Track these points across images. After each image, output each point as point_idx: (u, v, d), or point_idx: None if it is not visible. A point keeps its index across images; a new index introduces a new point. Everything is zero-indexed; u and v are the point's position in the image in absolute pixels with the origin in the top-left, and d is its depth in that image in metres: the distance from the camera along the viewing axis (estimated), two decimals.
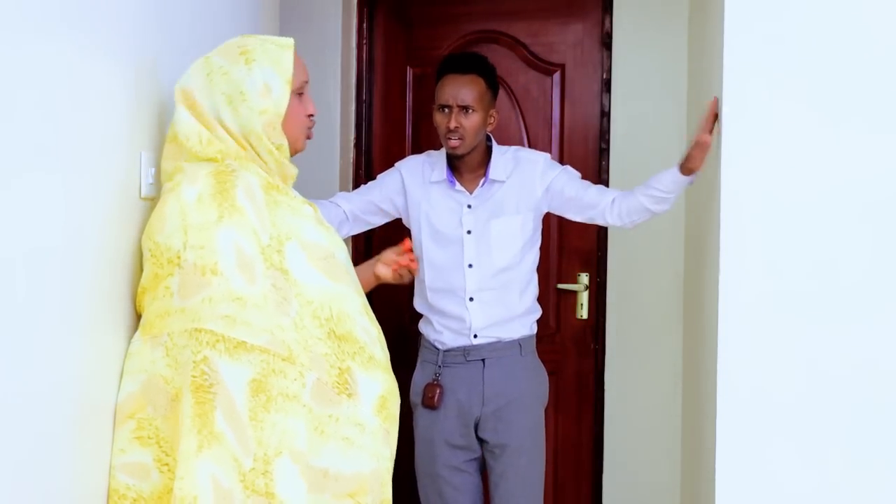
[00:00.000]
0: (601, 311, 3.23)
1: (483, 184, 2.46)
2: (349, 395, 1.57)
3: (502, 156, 2.48)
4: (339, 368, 1.57)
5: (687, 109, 3.07)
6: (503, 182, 2.45)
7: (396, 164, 2.59)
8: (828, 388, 1.94)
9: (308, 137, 1.74)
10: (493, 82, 2.45)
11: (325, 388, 1.55)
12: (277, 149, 1.64)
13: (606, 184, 3.12)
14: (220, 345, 1.46)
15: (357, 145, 3.43)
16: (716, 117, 2.07)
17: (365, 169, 3.45)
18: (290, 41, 1.67)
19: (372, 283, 2.11)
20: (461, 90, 2.37)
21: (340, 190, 3.28)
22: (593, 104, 3.24)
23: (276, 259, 1.54)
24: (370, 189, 2.56)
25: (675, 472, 3.11)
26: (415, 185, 2.50)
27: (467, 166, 2.47)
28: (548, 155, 2.52)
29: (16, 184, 1.19)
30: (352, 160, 3.42)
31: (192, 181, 1.54)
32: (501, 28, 3.31)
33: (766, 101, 1.97)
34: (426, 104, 3.42)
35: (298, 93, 1.69)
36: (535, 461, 2.47)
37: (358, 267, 1.97)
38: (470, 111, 2.36)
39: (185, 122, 1.61)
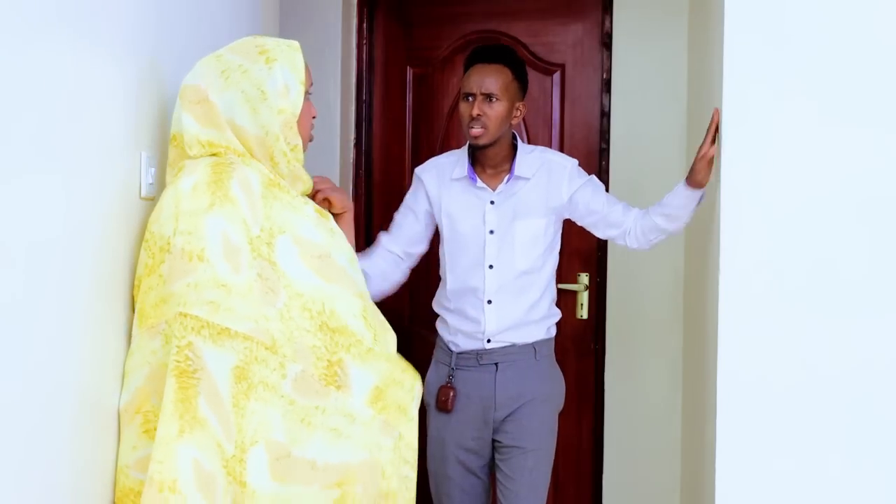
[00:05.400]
0: (601, 311, 3.23)
1: (508, 180, 2.40)
2: (338, 387, 1.57)
3: (528, 154, 2.43)
4: (329, 361, 1.57)
5: (687, 109, 3.07)
6: (528, 179, 2.40)
7: (415, 172, 2.52)
8: (828, 387, 1.95)
9: (310, 139, 1.75)
10: (521, 74, 2.40)
11: (311, 380, 1.55)
12: (292, 150, 1.65)
13: (607, 184, 3.12)
14: (205, 330, 1.46)
15: (357, 145, 3.43)
16: (717, 129, 2.05)
17: (365, 169, 3.44)
18: (297, 44, 1.69)
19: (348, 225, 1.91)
20: (486, 79, 2.33)
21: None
22: (593, 104, 3.24)
23: (264, 250, 1.55)
24: (405, 218, 2.48)
25: (675, 472, 3.11)
26: (434, 184, 2.45)
27: (490, 161, 2.41)
28: (576, 161, 2.47)
29: (16, 184, 1.19)
30: (352, 160, 3.42)
31: (190, 172, 1.55)
32: (501, 28, 3.30)
33: (766, 102, 1.97)
34: (426, 104, 3.43)
35: (307, 94, 1.70)
36: (543, 464, 2.45)
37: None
38: (493, 100, 2.31)
39: (189, 125, 1.61)
